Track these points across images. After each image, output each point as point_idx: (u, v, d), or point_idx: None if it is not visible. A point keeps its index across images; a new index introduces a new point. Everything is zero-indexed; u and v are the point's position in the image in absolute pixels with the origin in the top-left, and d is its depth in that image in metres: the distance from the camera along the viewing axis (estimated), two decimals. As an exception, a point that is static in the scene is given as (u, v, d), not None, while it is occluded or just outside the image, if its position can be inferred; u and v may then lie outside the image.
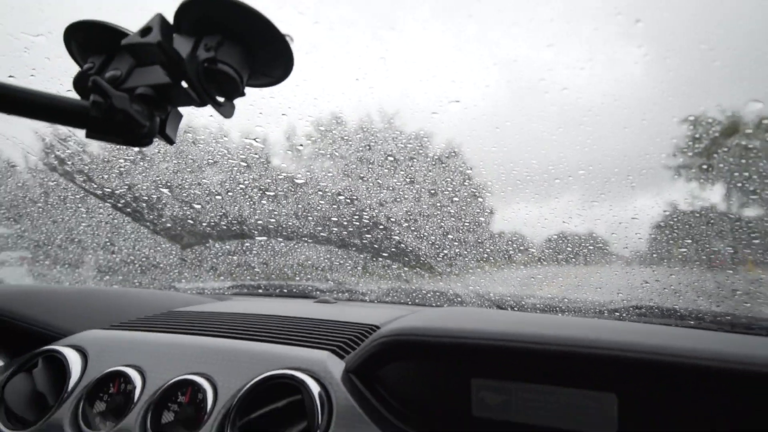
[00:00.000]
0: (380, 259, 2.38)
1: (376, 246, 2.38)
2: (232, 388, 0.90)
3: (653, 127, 1.99)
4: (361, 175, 2.39)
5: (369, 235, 2.38)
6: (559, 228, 2.24)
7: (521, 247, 2.37)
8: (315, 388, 0.85)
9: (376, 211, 2.36)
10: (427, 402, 0.82)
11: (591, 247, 2.19)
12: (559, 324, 0.74)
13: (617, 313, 1.27)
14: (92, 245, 2.52)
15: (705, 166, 2.19)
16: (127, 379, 0.97)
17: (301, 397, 0.85)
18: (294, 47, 0.61)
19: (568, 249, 2.21)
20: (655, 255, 2.13)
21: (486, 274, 2.40)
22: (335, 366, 0.91)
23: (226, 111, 0.63)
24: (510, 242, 2.41)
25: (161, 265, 2.51)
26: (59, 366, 1.02)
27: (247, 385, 0.89)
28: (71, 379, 1.00)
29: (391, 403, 0.84)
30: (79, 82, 0.62)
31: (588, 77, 2.02)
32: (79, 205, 2.51)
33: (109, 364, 1.00)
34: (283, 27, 0.58)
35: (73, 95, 0.61)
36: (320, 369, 0.90)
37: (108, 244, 2.55)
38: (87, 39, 0.65)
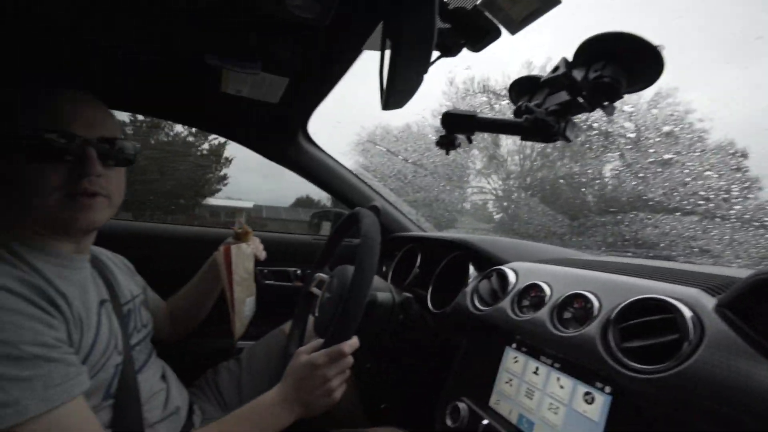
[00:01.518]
0: (751, 229, 1.64)
1: (733, 219, 1.66)
2: (612, 303, 0.83)
3: None
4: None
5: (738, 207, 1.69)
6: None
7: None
8: (687, 312, 0.70)
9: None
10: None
11: None
12: None
13: None
14: (525, 221, 2.67)
15: None
16: (540, 289, 1.02)
17: (674, 315, 0.71)
18: (664, 53, 0.52)
19: None
20: None
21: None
22: (706, 300, 0.72)
23: (610, 111, 0.60)
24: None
25: (558, 233, 2.47)
26: (504, 277, 1.16)
27: (626, 301, 0.80)
28: (509, 285, 1.12)
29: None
30: (517, 111, 0.71)
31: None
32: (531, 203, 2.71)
33: (530, 279, 1.08)
34: (654, 38, 0.51)
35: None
36: (691, 299, 0.72)
37: (529, 220, 2.68)
38: (518, 87, 0.73)
